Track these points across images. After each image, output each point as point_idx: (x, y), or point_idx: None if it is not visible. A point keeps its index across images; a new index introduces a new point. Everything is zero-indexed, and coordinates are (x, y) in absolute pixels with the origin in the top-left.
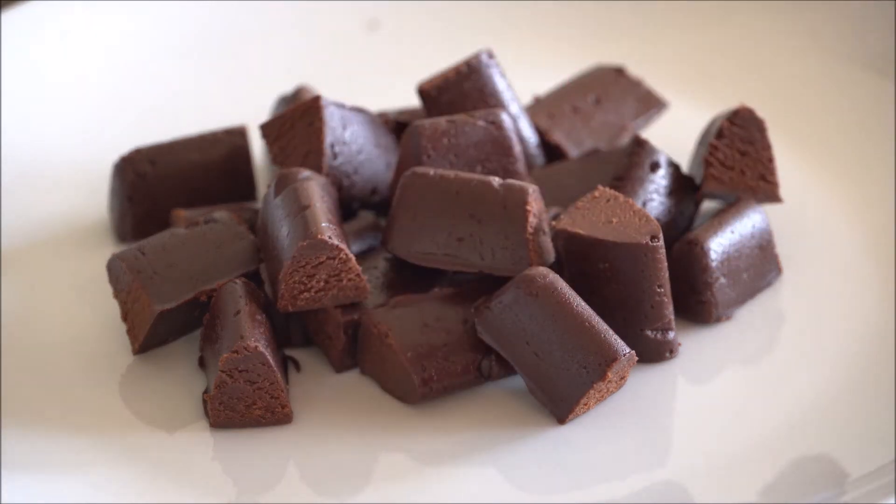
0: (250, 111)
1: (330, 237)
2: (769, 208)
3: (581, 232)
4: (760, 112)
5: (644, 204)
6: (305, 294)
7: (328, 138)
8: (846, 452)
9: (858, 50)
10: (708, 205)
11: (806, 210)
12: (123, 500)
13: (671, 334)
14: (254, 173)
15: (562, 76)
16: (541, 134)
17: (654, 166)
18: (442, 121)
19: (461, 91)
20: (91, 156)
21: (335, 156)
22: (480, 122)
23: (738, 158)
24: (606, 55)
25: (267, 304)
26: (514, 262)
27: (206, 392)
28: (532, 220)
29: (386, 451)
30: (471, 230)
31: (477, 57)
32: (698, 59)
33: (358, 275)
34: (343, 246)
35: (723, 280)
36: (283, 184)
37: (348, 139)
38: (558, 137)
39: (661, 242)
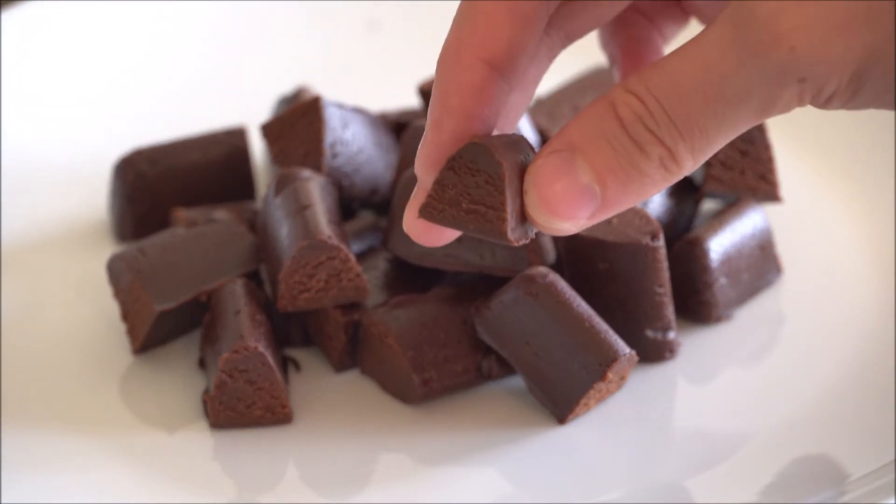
0: (250, 111)
1: (330, 237)
2: (769, 208)
3: (581, 232)
4: None
5: (644, 204)
6: (305, 294)
7: (328, 138)
8: (846, 452)
9: None
10: (708, 205)
11: (806, 210)
12: (123, 500)
13: (671, 334)
14: (253, 173)
15: (562, 76)
16: (541, 134)
17: None
18: None
19: None
20: (91, 156)
21: (335, 156)
22: None
23: (738, 158)
24: None
25: (267, 304)
26: (514, 261)
27: (206, 392)
28: None
29: (386, 451)
30: None
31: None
32: None
33: (358, 275)
34: (343, 246)
35: (723, 280)
36: (283, 184)
37: (348, 139)
38: None
39: (662, 242)
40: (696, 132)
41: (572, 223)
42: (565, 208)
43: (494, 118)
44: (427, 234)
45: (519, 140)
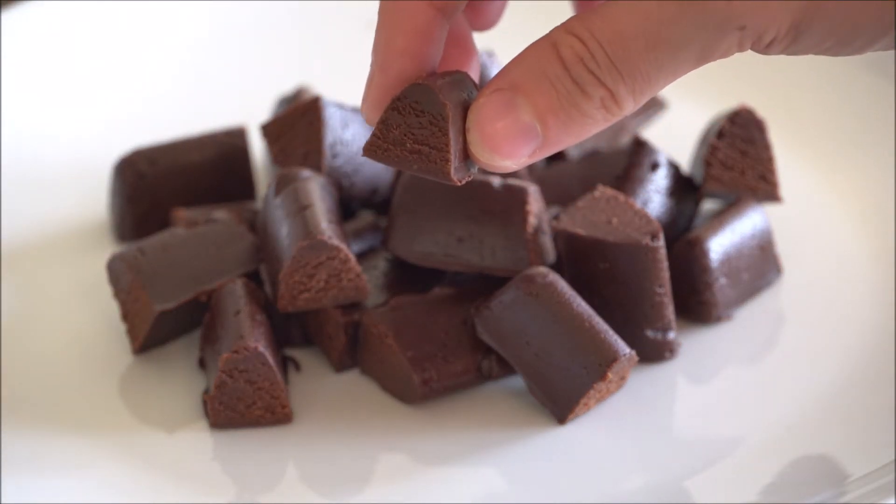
0: (250, 111)
1: (330, 237)
2: (769, 208)
3: (581, 232)
4: (760, 112)
5: (644, 204)
6: (305, 294)
7: (328, 138)
8: (846, 452)
9: None
10: (708, 205)
11: (806, 210)
12: (123, 501)
13: (671, 334)
14: (253, 174)
15: None
16: None
17: (654, 166)
18: None
19: None
20: (91, 156)
21: (335, 156)
22: None
23: (738, 158)
24: None
25: (267, 304)
26: (514, 262)
27: (206, 392)
28: (532, 220)
29: (386, 451)
30: (471, 230)
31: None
32: None
33: (358, 275)
34: (343, 246)
35: (723, 280)
36: (283, 184)
37: (348, 139)
38: None
39: (662, 242)
40: (638, 76)
41: (513, 161)
42: (507, 147)
43: (437, 57)
44: None
45: (462, 78)
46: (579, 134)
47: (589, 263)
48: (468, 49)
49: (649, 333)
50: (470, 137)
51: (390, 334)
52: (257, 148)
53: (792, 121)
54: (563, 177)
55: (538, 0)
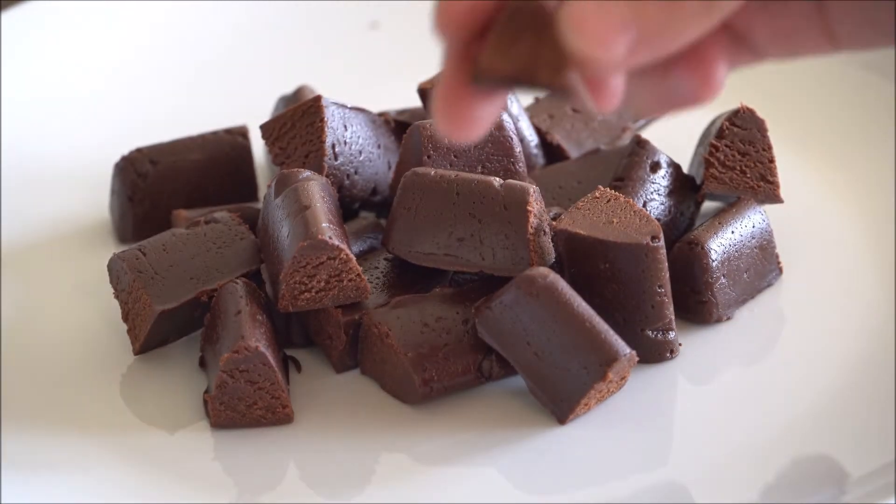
0: (250, 111)
1: (330, 237)
2: (769, 208)
3: (581, 232)
4: (760, 112)
5: (644, 204)
6: (306, 294)
7: (329, 138)
8: (846, 452)
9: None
10: (708, 205)
11: (806, 210)
12: (123, 500)
13: (672, 334)
14: (255, 173)
15: None
16: (541, 134)
17: (655, 166)
18: None
19: None
20: (91, 156)
21: (336, 156)
22: None
23: (738, 158)
24: None
25: (268, 304)
26: (515, 262)
27: (206, 392)
28: (533, 220)
29: (386, 451)
30: (471, 230)
31: None
32: None
33: (358, 275)
34: (343, 246)
35: (723, 280)
36: (283, 184)
37: (349, 139)
38: (559, 138)
39: (662, 242)
40: None
41: (605, 50)
42: (597, 28)
43: None
44: (464, 120)
45: None
46: (680, 30)
47: (589, 263)
48: None
49: (650, 333)
50: (561, 26)
51: (391, 334)
52: (258, 148)
53: (792, 121)
54: (563, 177)
55: None
